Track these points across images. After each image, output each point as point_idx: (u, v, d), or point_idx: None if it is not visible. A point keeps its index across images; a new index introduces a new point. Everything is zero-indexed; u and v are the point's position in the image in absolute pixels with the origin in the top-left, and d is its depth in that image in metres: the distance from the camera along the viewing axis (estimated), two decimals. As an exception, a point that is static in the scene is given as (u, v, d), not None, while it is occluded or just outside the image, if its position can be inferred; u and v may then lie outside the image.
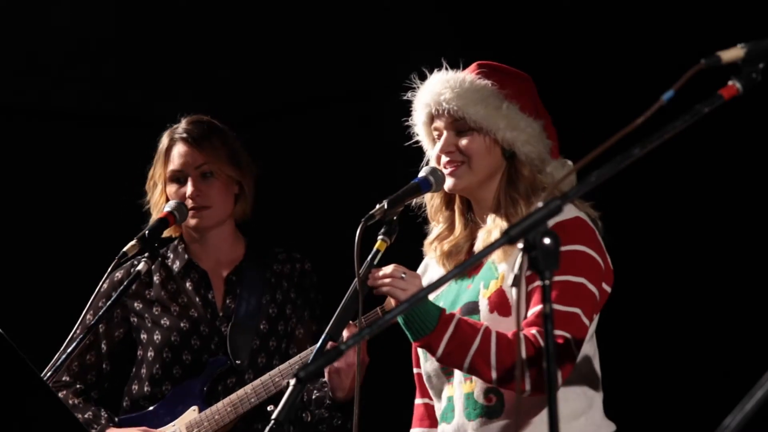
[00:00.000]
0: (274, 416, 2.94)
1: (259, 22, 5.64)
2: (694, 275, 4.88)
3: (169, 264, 4.44)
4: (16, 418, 3.26)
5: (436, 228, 3.54)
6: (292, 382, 2.94)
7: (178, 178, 4.37)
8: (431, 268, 3.61)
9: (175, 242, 4.47)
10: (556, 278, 3.19)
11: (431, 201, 3.53)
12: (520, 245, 2.33)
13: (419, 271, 3.63)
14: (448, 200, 3.54)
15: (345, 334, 3.38)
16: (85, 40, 5.65)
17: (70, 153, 5.87)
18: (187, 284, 4.41)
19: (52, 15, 5.54)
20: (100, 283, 4.24)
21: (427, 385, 3.54)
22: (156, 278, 4.42)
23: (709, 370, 4.82)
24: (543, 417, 3.32)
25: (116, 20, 5.63)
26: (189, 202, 4.32)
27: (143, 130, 4.54)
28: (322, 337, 3.21)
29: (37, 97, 5.85)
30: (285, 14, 5.60)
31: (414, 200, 3.47)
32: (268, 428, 2.93)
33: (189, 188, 4.33)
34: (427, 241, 3.55)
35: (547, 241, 2.31)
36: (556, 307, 3.22)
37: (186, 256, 4.43)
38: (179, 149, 4.37)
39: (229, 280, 4.42)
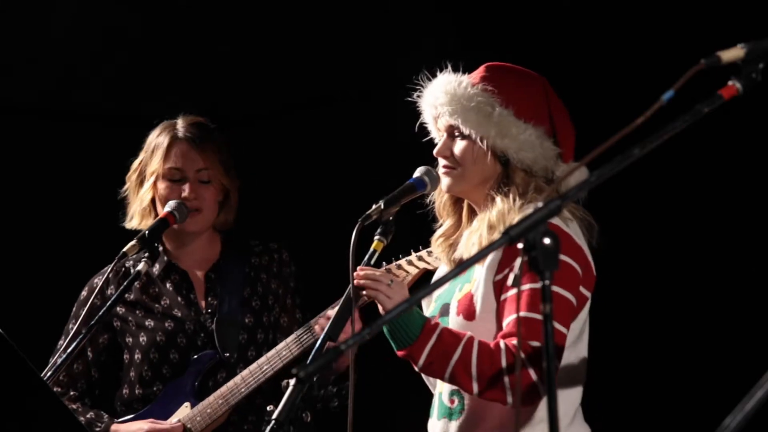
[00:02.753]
0: (274, 416, 2.94)
1: (259, 22, 5.64)
2: (693, 275, 4.88)
3: (149, 267, 4.41)
4: (15, 418, 3.26)
5: (443, 225, 3.55)
6: (292, 382, 2.94)
7: (176, 177, 4.35)
8: (440, 267, 3.62)
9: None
10: (528, 286, 3.19)
11: (440, 198, 3.54)
12: (520, 245, 2.33)
13: (436, 275, 3.63)
14: (457, 198, 3.54)
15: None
16: (85, 40, 5.64)
17: (70, 153, 5.86)
18: (168, 285, 4.41)
19: (52, 15, 5.54)
20: (83, 292, 4.27)
21: (425, 380, 3.55)
22: (136, 282, 4.38)
23: (708, 370, 4.82)
24: (500, 423, 3.30)
25: (116, 20, 5.63)
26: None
27: (142, 130, 4.53)
28: (321, 337, 3.21)
29: (37, 97, 5.85)
30: (285, 14, 5.59)
31: (422, 198, 3.48)
32: (268, 429, 2.93)
33: (186, 190, 4.31)
34: (433, 238, 3.56)
35: (547, 241, 2.31)
36: (527, 315, 3.20)
37: (165, 258, 4.42)
38: (182, 148, 4.35)
39: (209, 278, 4.42)
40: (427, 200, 3.50)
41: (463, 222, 3.52)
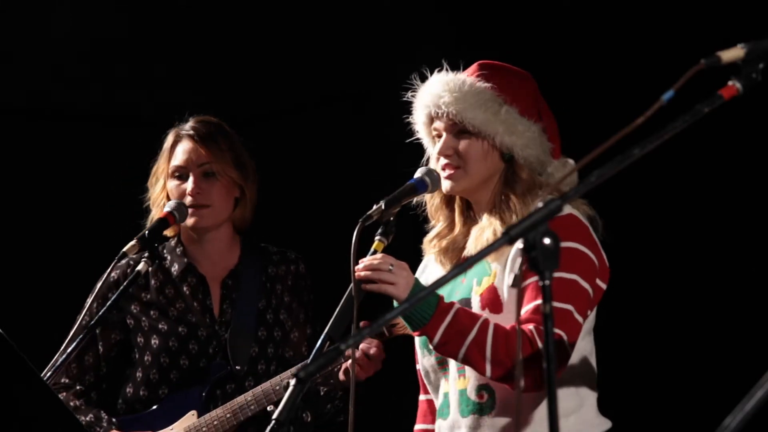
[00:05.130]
0: (274, 416, 2.94)
1: (260, 22, 5.64)
2: (694, 274, 4.88)
3: (167, 266, 4.41)
4: (15, 418, 3.26)
5: (436, 226, 3.55)
6: (292, 382, 2.95)
7: (180, 174, 4.33)
8: (429, 266, 3.61)
9: (172, 243, 4.42)
10: (555, 275, 3.18)
11: (432, 200, 3.54)
12: (520, 245, 2.33)
13: (419, 270, 3.63)
14: (449, 199, 3.54)
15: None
16: (85, 40, 5.65)
17: (69, 153, 5.87)
18: (185, 288, 4.39)
19: (52, 15, 5.54)
20: (98, 285, 4.24)
21: (425, 381, 3.55)
22: (153, 281, 4.38)
23: (709, 369, 4.82)
24: (535, 415, 3.32)
25: (116, 21, 5.63)
26: (188, 200, 4.29)
27: (143, 130, 4.54)
28: (321, 337, 3.21)
29: (37, 97, 5.85)
30: (285, 14, 5.60)
31: (413, 200, 3.47)
32: (269, 428, 2.93)
33: (189, 185, 4.30)
34: (426, 239, 3.56)
35: (547, 241, 2.31)
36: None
37: (185, 259, 4.39)
38: (184, 146, 4.35)
39: (225, 285, 4.39)
40: (414, 202, 3.49)
41: (456, 222, 3.52)
